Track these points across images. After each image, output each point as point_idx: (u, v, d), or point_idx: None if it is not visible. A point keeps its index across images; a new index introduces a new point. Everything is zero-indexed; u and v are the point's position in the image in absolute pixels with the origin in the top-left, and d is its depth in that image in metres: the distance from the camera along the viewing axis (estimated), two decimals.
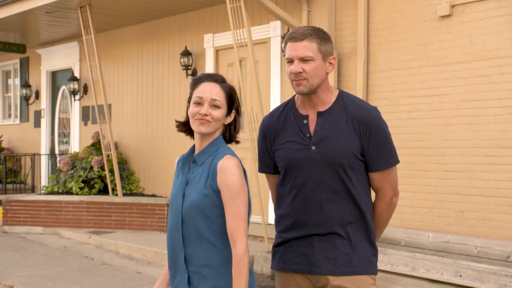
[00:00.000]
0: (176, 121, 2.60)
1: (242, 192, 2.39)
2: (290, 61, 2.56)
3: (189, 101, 2.51)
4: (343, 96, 2.64)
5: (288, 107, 2.69)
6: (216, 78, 2.49)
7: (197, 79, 2.51)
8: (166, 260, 2.61)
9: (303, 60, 2.52)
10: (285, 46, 2.60)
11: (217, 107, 2.45)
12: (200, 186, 2.43)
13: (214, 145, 2.49)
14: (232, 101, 2.49)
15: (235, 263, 2.35)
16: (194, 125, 2.46)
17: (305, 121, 2.61)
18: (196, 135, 2.52)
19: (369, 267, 2.60)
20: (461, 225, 6.20)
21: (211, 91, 2.45)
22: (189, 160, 2.54)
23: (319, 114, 2.60)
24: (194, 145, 2.56)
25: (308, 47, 2.52)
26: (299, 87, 2.55)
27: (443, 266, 5.59)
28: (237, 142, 2.60)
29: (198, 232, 2.42)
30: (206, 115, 2.43)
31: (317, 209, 2.56)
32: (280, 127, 2.66)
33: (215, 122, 2.45)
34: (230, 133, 2.55)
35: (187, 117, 2.54)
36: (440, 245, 6.17)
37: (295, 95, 2.71)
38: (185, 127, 2.58)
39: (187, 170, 2.53)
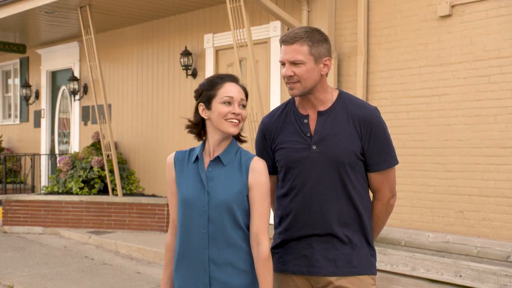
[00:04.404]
0: (190, 121, 2.55)
1: (270, 193, 2.50)
2: (283, 64, 2.57)
3: (206, 101, 2.47)
4: (343, 96, 2.64)
5: (288, 107, 2.69)
6: (236, 79, 2.52)
7: (218, 79, 2.49)
8: (167, 262, 2.62)
9: (294, 63, 2.52)
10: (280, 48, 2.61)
11: (244, 107, 2.49)
12: (229, 185, 2.45)
13: (234, 145, 2.53)
14: (247, 100, 2.54)
15: (262, 262, 2.42)
16: (223, 126, 2.45)
17: (305, 121, 2.60)
18: (215, 136, 2.49)
19: (369, 267, 2.60)
20: (461, 225, 6.20)
21: (239, 91, 2.48)
22: (201, 158, 2.51)
23: (320, 113, 2.60)
24: (202, 144, 2.53)
25: (298, 51, 2.51)
26: (292, 90, 2.57)
27: (443, 266, 5.59)
28: (244, 141, 2.59)
29: (224, 231, 2.43)
30: (239, 114, 2.45)
31: (316, 209, 2.55)
32: (280, 126, 2.66)
33: (242, 121, 2.49)
34: (238, 133, 2.54)
35: (198, 118, 2.52)
36: (440, 245, 6.17)
37: None
38: (197, 128, 2.54)
39: (200, 167, 2.49)
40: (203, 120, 2.52)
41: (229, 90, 2.46)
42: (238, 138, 2.56)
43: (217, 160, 2.49)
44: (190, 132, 2.57)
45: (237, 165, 2.50)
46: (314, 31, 2.56)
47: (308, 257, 2.57)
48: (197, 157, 2.51)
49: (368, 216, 2.63)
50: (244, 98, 2.50)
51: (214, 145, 2.50)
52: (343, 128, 2.56)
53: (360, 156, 2.57)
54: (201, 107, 2.50)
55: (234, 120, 2.45)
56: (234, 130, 2.46)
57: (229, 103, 2.45)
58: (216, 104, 2.45)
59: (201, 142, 2.58)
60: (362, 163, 2.59)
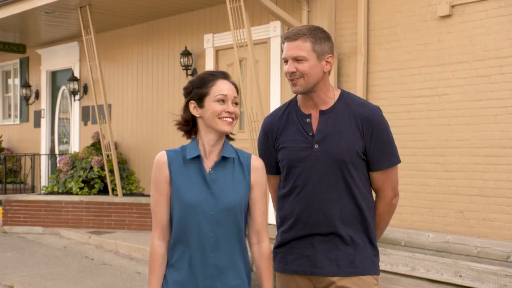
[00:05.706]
0: (182, 117, 2.47)
1: (270, 192, 2.56)
2: (286, 60, 2.57)
3: (198, 99, 2.41)
4: (345, 95, 2.64)
5: (290, 106, 2.70)
6: (227, 76, 2.47)
7: (210, 77, 2.43)
8: (156, 269, 2.42)
9: (296, 59, 2.53)
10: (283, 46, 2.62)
11: (237, 104, 2.44)
12: (235, 187, 2.42)
13: (228, 144, 2.49)
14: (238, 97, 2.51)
15: (265, 259, 2.46)
16: (217, 124, 2.39)
17: (307, 120, 2.61)
18: (209, 134, 2.43)
19: (372, 267, 2.59)
20: (461, 225, 6.20)
21: (231, 89, 2.43)
22: (199, 159, 2.42)
23: (322, 112, 2.60)
24: (195, 144, 2.44)
25: (301, 47, 2.52)
26: (295, 87, 2.57)
27: (443, 266, 5.59)
28: (232, 139, 2.55)
29: (229, 233, 2.40)
30: (233, 112, 2.41)
31: (318, 208, 2.55)
32: (282, 126, 2.66)
33: (236, 119, 2.45)
34: None
35: (189, 115, 2.45)
36: (440, 245, 6.17)
37: (297, 95, 2.71)
38: (188, 126, 2.48)
39: (200, 168, 2.41)
40: (193, 118, 2.46)
41: (222, 88, 2.40)
42: (227, 135, 2.50)
43: (220, 160, 2.43)
44: (180, 129, 2.49)
45: (238, 164, 2.46)
46: (317, 29, 2.58)
47: (310, 257, 2.57)
48: (196, 157, 2.42)
49: (371, 216, 2.62)
50: (237, 95, 2.44)
51: (209, 145, 2.43)
52: (345, 127, 2.56)
53: (362, 155, 2.57)
54: (192, 104, 2.43)
55: (228, 119, 2.40)
56: (228, 129, 2.41)
57: (222, 101, 2.39)
58: (209, 102, 2.39)
59: (190, 140, 2.49)
60: (364, 162, 2.58)
